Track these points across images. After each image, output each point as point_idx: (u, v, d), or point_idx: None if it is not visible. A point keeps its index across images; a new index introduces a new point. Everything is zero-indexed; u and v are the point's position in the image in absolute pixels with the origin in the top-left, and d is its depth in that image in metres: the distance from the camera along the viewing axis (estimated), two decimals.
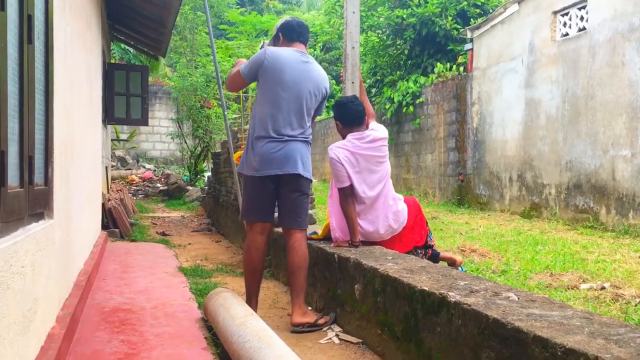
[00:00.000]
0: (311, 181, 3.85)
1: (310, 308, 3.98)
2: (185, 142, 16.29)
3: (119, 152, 18.84)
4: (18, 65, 2.24)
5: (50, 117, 2.89)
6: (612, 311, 3.54)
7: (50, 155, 2.89)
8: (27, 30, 2.34)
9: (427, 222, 4.46)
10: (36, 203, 2.56)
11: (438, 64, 12.35)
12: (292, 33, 3.87)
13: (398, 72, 13.89)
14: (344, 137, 4.09)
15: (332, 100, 19.59)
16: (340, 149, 3.97)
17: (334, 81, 22.72)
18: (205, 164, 16.00)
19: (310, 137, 3.83)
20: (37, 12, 2.56)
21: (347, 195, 3.93)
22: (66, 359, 2.85)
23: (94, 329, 3.44)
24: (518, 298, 2.40)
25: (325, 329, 3.56)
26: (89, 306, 3.97)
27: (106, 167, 9.42)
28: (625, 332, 1.89)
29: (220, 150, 9.22)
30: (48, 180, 2.87)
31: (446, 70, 12.00)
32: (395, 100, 12.75)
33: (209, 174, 11.68)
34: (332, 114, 19.27)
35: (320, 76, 3.84)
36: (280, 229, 4.24)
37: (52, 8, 2.94)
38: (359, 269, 3.40)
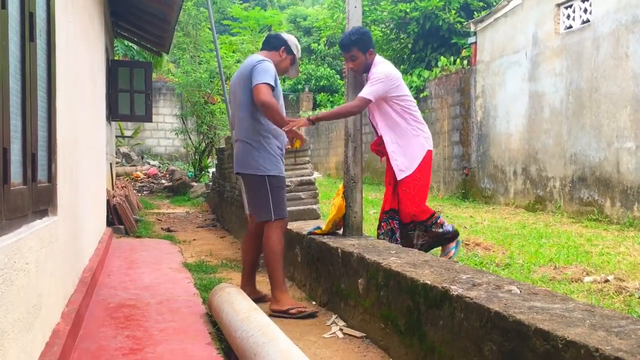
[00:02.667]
0: (261, 177, 3.94)
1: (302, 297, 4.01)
2: (190, 138, 16.29)
3: (123, 149, 18.88)
4: (20, 62, 2.25)
5: (53, 114, 2.90)
6: (615, 304, 3.54)
7: (53, 152, 2.91)
8: (29, 27, 2.35)
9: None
10: (40, 200, 2.58)
11: (442, 57, 12.32)
12: None
13: (402, 66, 13.86)
14: (367, 67, 4.30)
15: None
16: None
17: (337, 76, 22.74)
18: (209, 160, 16.02)
19: (248, 131, 3.97)
20: (38, 10, 2.57)
21: None
22: (71, 354, 2.87)
23: (99, 324, 3.46)
24: (520, 291, 2.40)
25: (328, 323, 3.58)
26: (94, 302, 3.99)
27: (110, 164, 9.45)
28: (626, 324, 1.89)
29: (224, 146, 9.23)
30: (51, 177, 2.88)
31: (450, 64, 11.98)
32: None
33: (214, 169, 11.69)
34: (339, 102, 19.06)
35: (242, 69, 4.07)
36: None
37: (54, 5, 2.95)
38: (362, 263, 3.41)
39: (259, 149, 3.95)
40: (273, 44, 4.20)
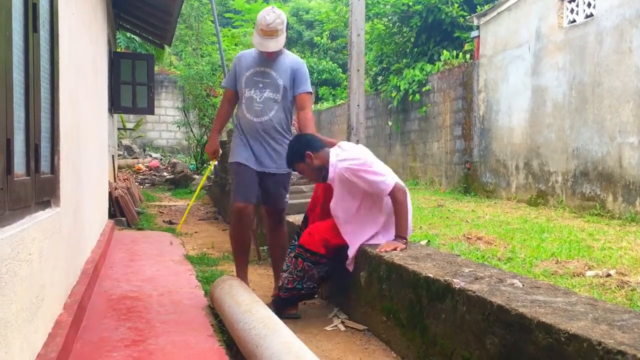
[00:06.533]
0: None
1: None
2: (192, 131, 16.28)
3: (125, 141, 18.86)
4: (23, 53, 2.24)
5: (56, 106, 2.90)
6: (617, 298, 3.53)
7: (56, 144, 2.90)
8: (33, 18, 2.35)
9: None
10: (43, 191, 2.58)
11: (444, 51, 12.27)
12: None
13: (404, 60, 13.83)
14: (321, 168, 3.55)
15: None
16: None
17: (340, 69, 22.66)
18: None
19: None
20: (42, 1, 2.56)
21: None
22: (74, 345, 2.87)
23: (102, 316, 3.47)
24: (522, 285, 2.40)
25: (330, 316, 3.59)
26: (97, 293, 4.00)
27: (113, 156, 9.45)
28: (629, 317, 1.89)
29: (226, 139, 9.22)
30: (54, 168, 2.88)
31: (452, 58, 11.93)
32: (402, 88, 12.70)
33: (216, 162, 11.67)
34: (338, 102, 19.06)
35: None
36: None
37: None
38: (364, 256, 3.41)
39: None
40: None
